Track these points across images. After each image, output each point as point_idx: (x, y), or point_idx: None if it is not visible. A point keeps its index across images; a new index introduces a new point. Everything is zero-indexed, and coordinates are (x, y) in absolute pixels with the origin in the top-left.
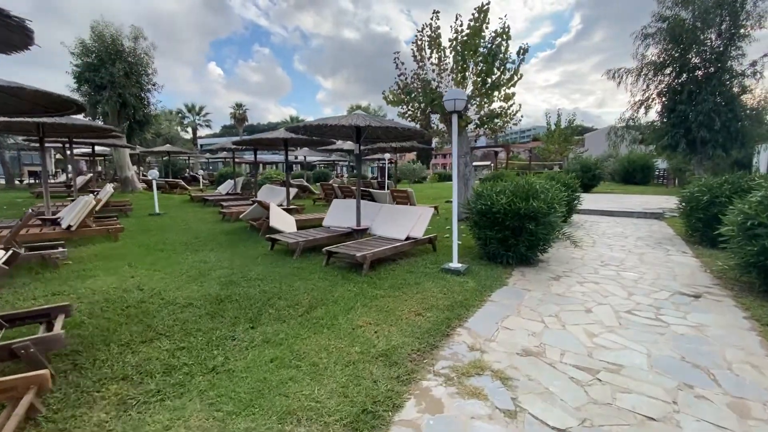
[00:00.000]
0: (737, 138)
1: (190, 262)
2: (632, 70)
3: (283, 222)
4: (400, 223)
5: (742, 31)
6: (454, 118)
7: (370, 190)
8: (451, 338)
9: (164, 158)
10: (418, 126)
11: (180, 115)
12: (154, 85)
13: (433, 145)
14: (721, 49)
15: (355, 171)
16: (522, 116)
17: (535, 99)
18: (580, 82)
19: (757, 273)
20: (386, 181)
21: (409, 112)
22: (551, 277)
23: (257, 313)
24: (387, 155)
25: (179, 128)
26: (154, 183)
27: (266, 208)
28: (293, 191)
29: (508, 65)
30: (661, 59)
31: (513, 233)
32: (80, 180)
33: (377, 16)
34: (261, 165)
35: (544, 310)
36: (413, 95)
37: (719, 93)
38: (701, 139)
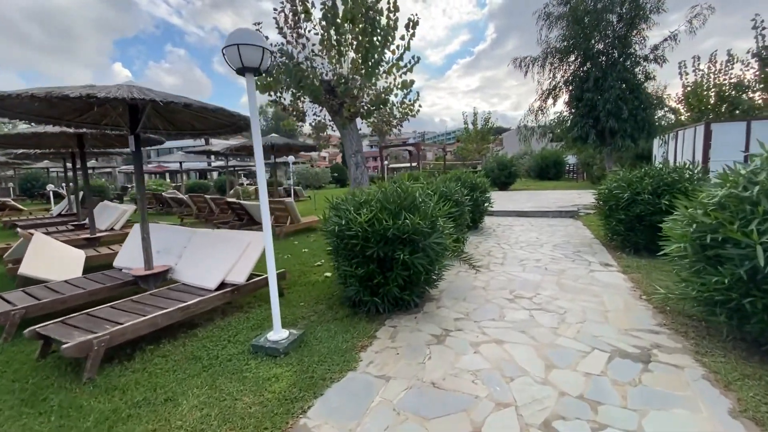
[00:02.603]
0: (644, 127)
1: None
2: (538, 58)
3: (51, 265)
4: (214, 260)
5: (642, 13)
6: (250, 80)
7: (242, 202)
8: None
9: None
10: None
11: None
12: None
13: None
14: (624, 32)
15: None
16: (420, 106)
17: (459, 103)
18: (497, 87)
19: (727, 315)
20: (293, 187)
21: (283, 99)
22: (433, 336)
23: None
24: (291, 158)
25: None
26: None
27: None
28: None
29: (398, 42)
30: (566, 44)
31: (380, 267)
32: None
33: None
34: (180, 174)
35: None
36: (279, 76)
37: (624, 80)
38: (610, 129)
